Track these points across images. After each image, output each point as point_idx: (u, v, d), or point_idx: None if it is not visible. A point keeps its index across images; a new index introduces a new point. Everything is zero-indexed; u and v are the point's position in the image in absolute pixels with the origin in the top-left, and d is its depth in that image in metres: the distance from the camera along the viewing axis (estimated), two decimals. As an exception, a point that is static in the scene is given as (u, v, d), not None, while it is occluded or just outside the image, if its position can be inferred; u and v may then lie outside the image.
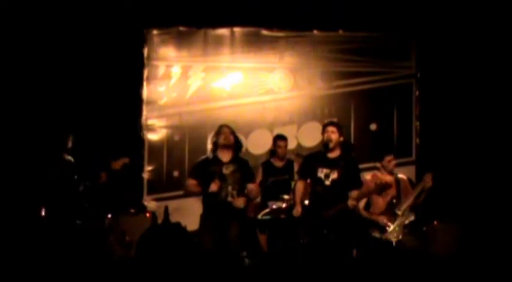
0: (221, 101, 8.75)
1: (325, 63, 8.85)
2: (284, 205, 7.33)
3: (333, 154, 6.52)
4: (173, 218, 7.68)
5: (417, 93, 8.91)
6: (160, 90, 8.73)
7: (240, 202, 6.35)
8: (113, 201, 7.39)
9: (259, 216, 7.37)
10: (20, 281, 6.35)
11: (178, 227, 7.48)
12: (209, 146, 6.78)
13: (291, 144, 8.24)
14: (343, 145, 6.65)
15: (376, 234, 6.63)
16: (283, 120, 8.76)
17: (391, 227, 6.62)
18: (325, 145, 6.50)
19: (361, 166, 7.13)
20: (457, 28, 8.46)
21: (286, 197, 7.39)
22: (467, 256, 7.07)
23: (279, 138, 7.86)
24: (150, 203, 8.41)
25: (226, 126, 6.57)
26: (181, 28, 8.78)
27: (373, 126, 8.87)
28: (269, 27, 8.79)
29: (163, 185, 8.58)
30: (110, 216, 7.36)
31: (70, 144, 6.65)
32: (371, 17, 8.57)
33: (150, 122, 8.69)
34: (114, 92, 8.27)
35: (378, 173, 6.91)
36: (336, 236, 6.31)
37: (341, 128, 6.65)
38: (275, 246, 7.22)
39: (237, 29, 8.80)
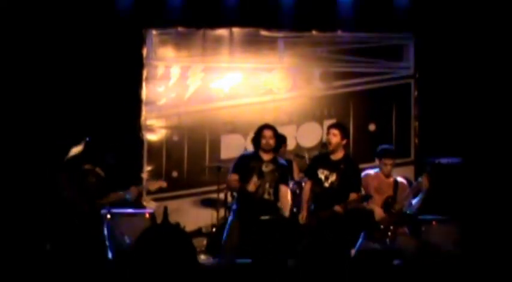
0: (220, 102, 8.75)
1: (324, 64, 8.84)
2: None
3: (336, 156, 6.58)
4: (172, 219, 7.68)
5: (416, 93, 8.90)
6: (160, 91, 8.73)
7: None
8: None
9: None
10: (20, 280, 6.36)
11: (178, 227, 7.48)
12: (250, 145, 6.82)
13: (290, 145, 8.26)
14: (347, 148, 6.73)
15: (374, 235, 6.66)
16: (282, 120, 8.72)
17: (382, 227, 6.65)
18: (323, 146, 6.56)
19: (360, 167, 7.16)
20: (455, 28, 8.47)
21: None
22: (465, 256, 7.08)
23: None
24: (149, 204, 8.41)
25: (269, 127, 6.58)
26: (180, 28, 8.77)
27: (371, 127, 8.87)
28: (268, 28, 8.79)
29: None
30: (108, 216, 7.36)
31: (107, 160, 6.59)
32: (369, 17, 8.58)
33: (149, 122, 8.68)
34: (113, 92, 8.28)
35: (380, 174, 6.93)
36: (334, 237, 6.35)
37: (345, 130, 6.69)
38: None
39: (235, 30, 8.78)
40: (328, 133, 6.60)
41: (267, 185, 6.46)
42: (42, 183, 7.24)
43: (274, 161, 6.57)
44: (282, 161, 6.72)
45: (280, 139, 6.74)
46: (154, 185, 6.73)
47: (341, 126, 6.70)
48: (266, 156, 6.55)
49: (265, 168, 6.49)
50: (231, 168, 6.71)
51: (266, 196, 6.47)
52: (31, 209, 7.44)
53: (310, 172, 6.76)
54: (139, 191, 6.63)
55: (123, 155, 7.64)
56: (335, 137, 6.53)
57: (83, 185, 6.29)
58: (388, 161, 6.84)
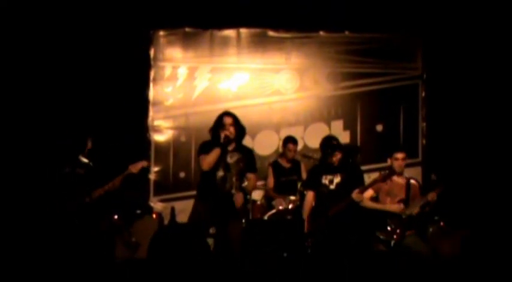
0: (227, 102, 8.71)
1: (332, 64, 8.84)
2: (290, 206, 7.34)
3: (334, 161, 6.67)
4: (179, 219, 7.69)
5: (423, 94, 8.90)
6: (167, 91, 8.74)
7: (239, 199, 6.11)
8: (120, 202, 7.41)
9: (266, 217, 7.37)
10: (24, 280, 6.37)
11: (185, 227, 7.48)
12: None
13: (298, 146, 8.24)
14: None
15: (380, 236, 6.63)
16: (290, 121, 8.75)
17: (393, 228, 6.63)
18: (331, 164, 6.64)
19: (368, 167, 7.16)
20: (463, 29, 8.44)
21: (292, 198, 7.40)
22: (474, 258, 7.06)
23: (291, 141, 7.84)
24: (156, 204, 8.42)
25: (228, 115, 6.21)
26: (187, 29, 8.77)
27: (379, 127, 8.86)
28: (275, 28, 8.79)
29: (169, 186, 8.59)
30: (116, 217, 7.38)
31: (88, 147, 6.55)
32: (377, 18, 8.56)
33: (156, 123, 8.69)
34: (120, 93, 8.27)
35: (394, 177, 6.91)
36: (341, 237, 6.39)
37: (342, 146, 6.85)
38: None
39: (243, 30, 8.79)
40: (334, 155, 6.63)
41: (234, 179, 6.09)
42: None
43: (238, 149, 6.21)
44: (245, 146, 6.39)
45: (243, 127, 6.26)
46: (137, 166, 6.37)
47: (341, 147, 6.79)
48: (230, 146, 6.16)
49: (230, 160, 6.13)
50: (197, 152, 6.38)
51: (233, 191, 6.08)
52: (31, 210, 7.41)
53: (312, 183, 6.80)
54: (123, 177, 6.42)
55: (124, 155, 7.63)
56: (339, 154, 6.69)
57: (72, 178, 6.29)
58: (400, 155, 6.78)
